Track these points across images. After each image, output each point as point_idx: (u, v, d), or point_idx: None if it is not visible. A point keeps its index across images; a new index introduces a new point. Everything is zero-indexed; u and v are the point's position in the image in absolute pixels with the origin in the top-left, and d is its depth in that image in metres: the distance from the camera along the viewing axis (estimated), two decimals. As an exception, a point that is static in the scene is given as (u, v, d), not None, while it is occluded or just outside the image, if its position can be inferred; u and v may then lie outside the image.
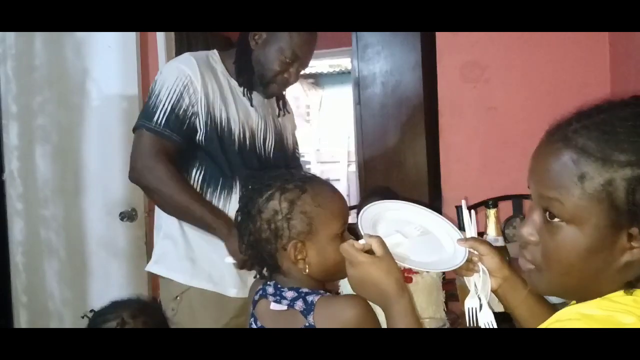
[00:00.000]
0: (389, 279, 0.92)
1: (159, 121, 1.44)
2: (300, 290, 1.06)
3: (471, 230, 1.10)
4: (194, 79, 1.47)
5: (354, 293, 1.00)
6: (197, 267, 1.51)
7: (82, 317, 1.25)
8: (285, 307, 1.05)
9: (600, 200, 0.63)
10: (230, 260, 1.39)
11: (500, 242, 1.41)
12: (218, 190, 1.51)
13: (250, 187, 1.11)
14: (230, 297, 1.52)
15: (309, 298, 1.03)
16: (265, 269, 1.12)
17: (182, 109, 1.46)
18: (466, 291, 1.51)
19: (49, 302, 2.37)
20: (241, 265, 1.37)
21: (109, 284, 2.30)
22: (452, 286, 1.63)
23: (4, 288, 2.38)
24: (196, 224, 1.47)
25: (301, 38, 1.52)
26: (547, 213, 0.69)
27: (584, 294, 0.69)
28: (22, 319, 2.38)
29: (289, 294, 1.06)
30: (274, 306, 1.07)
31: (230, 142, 1.51)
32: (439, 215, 1.13)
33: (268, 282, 1.12)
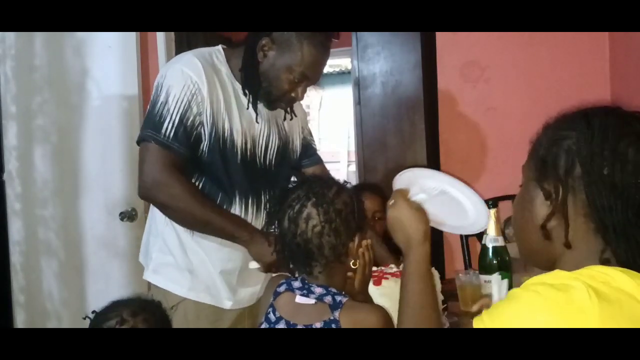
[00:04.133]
0: (417, 227, 1.06)
1: (167, 133, 1.38)
2: (329, 289, 1.13)
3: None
4: (201, 86, 1.40)
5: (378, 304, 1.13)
6: (195, 279, 1.48)
7: (84, 319, 1.24)
8: (313, 301, 1.11)
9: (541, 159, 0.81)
10: (254, 265, 1.40)
11: (500, 242, 1.41)
12: (217, 204, 1.46)
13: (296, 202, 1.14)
14: (225, 309, 1.51)
15: (337, 298, 1.11)
16: (298, 267, 1.17)
17: (189, 120, 1.39)
18: (466, 291, 1.51)
19: (47, 302, 2.37)
20: (266, 269, 1.39)
21: (108, 284, 2.30)
22: (452, 286, 1.62)
23: (4, 288, 2.37)
24: (216, 234, 1.44)
25: (312, 57, 1.43)
26: None
27: (535, 255, 0.86)
28: (19, 319, 2.38)
29: (318, 290, 1.12)
30: (300, 299, 1.13)
31: (232, 154, 1.46)
32: (467, 187, 1.21)
33: (294, 277, 1.18)
